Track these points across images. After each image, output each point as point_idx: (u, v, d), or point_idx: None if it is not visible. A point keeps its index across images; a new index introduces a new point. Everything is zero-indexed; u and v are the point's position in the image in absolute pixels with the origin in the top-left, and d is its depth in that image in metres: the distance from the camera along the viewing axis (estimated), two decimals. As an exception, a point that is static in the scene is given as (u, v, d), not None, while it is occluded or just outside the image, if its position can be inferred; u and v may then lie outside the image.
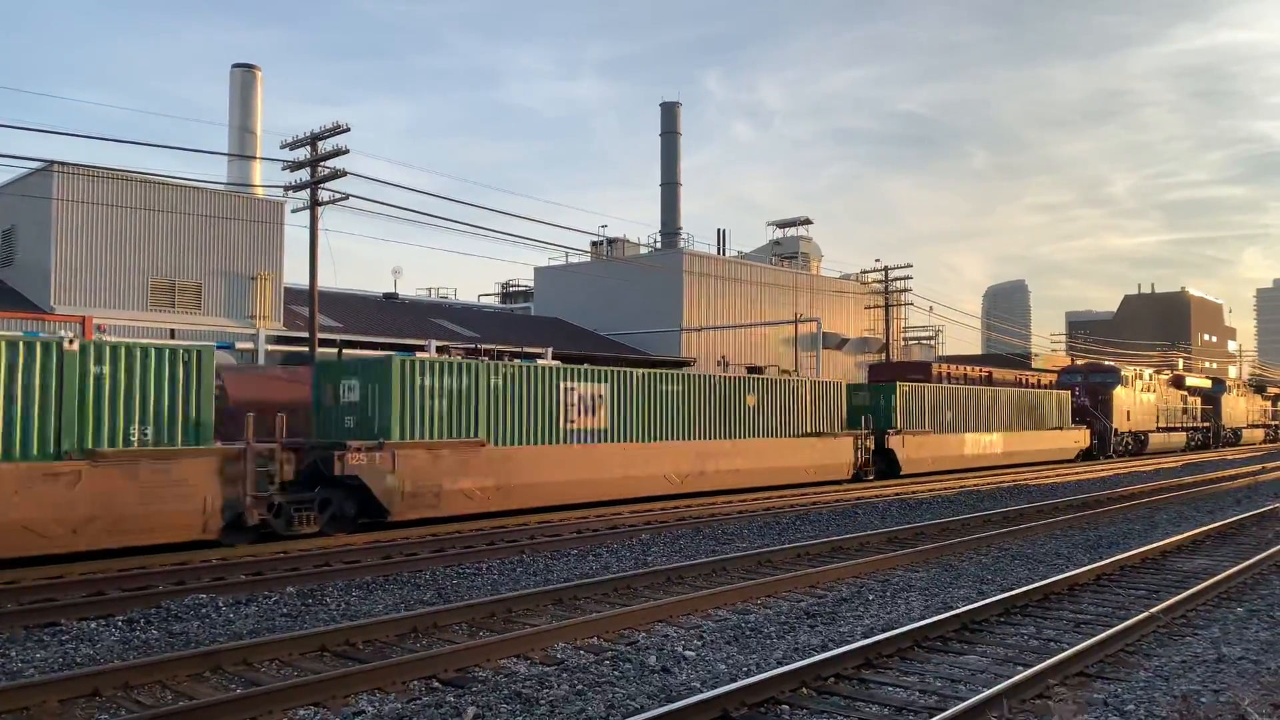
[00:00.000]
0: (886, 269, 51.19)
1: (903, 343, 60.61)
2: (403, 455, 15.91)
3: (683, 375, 22.82)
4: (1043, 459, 35.83)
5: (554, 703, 6.86)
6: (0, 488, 11.98)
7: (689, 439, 21.94)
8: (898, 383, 29.46)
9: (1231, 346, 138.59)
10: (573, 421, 19.23)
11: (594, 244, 56.97)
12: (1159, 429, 45.88)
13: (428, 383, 16.76)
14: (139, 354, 13.80)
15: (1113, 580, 11.85)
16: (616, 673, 7.64)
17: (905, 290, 51.07)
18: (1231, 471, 31.64)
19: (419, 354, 18.86)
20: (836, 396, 26.99)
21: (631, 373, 20.88)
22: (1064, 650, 8.06)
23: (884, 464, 28.03)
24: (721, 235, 63.84)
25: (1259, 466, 34.04)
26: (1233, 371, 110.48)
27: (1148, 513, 19.47)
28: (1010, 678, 7.14)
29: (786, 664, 7.67)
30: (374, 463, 15.45)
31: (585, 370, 19.87)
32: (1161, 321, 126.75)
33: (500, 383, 18.00)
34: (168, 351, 14.12)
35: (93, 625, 9.08)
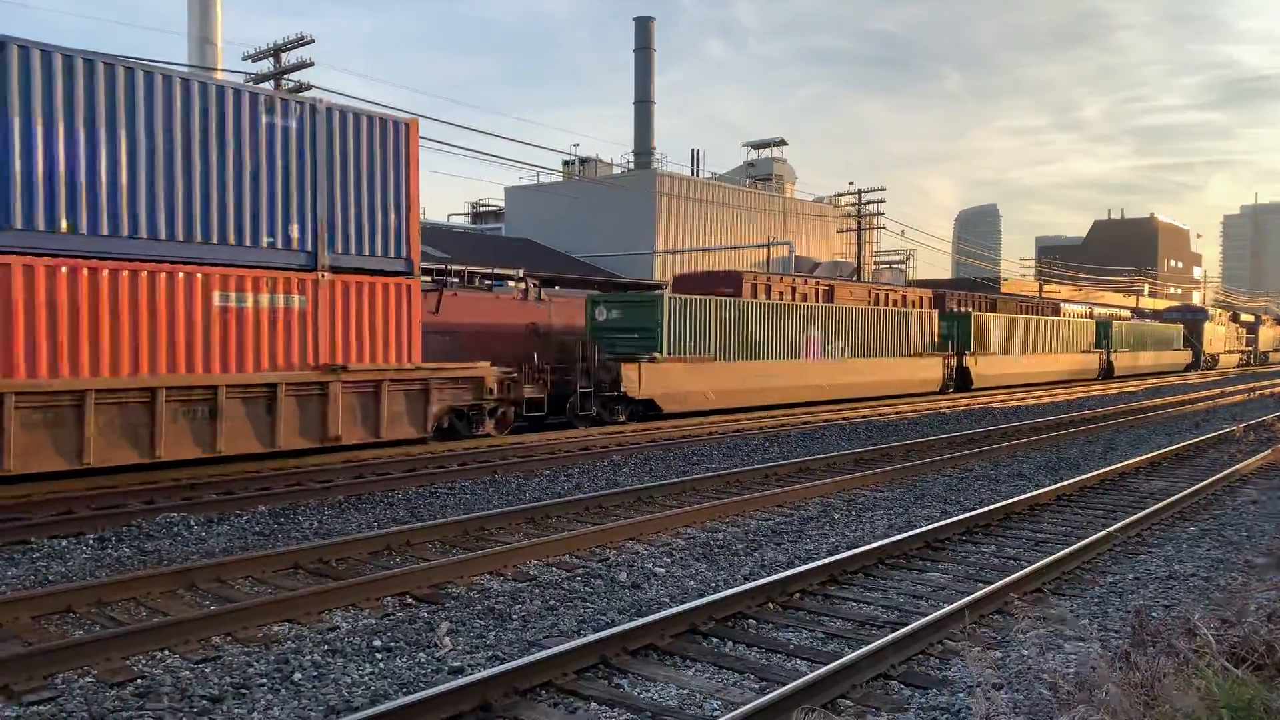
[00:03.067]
0: (860, 192, 51.01)
1: (874, 267, 60.73)
2: (666, 366, 21.13)
3: (853, 309, 28.11)
4: (1069, 377, 41.44)
5: (526, 617, 7.00)
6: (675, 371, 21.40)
7: (843, 359, 27.09)
8: (973, 313, 34.82)
9: (1197, 273, 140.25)
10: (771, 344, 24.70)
11: (566, 164, 56.18)
12: (1225, 351, 63.28)
13: (678, 312, 21.86)
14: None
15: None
16: (588, 589, 7.79)
17: (878, 215, 51.01)
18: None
19: (669, 293, 23.91)
20: (931, 323, 31.79)
21: (833, 308, 27.21)
22: (1023, 568, 8.31)
23: (961, 380, 33.42)
24: (696, 156, 63.18)
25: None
26: (1197, 297, 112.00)
27: (1194, 419, 19.92)
28: (971, 594, 7.36)
29: (753, 580, 7.85)
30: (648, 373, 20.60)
31: (794, 307, 25.58)
32: (1129, 247, 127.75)
33: (730, 314, 23.21)
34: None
35: (63, 544, 9.08)
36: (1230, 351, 65.36)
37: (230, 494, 11.62)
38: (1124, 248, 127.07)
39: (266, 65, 27.24)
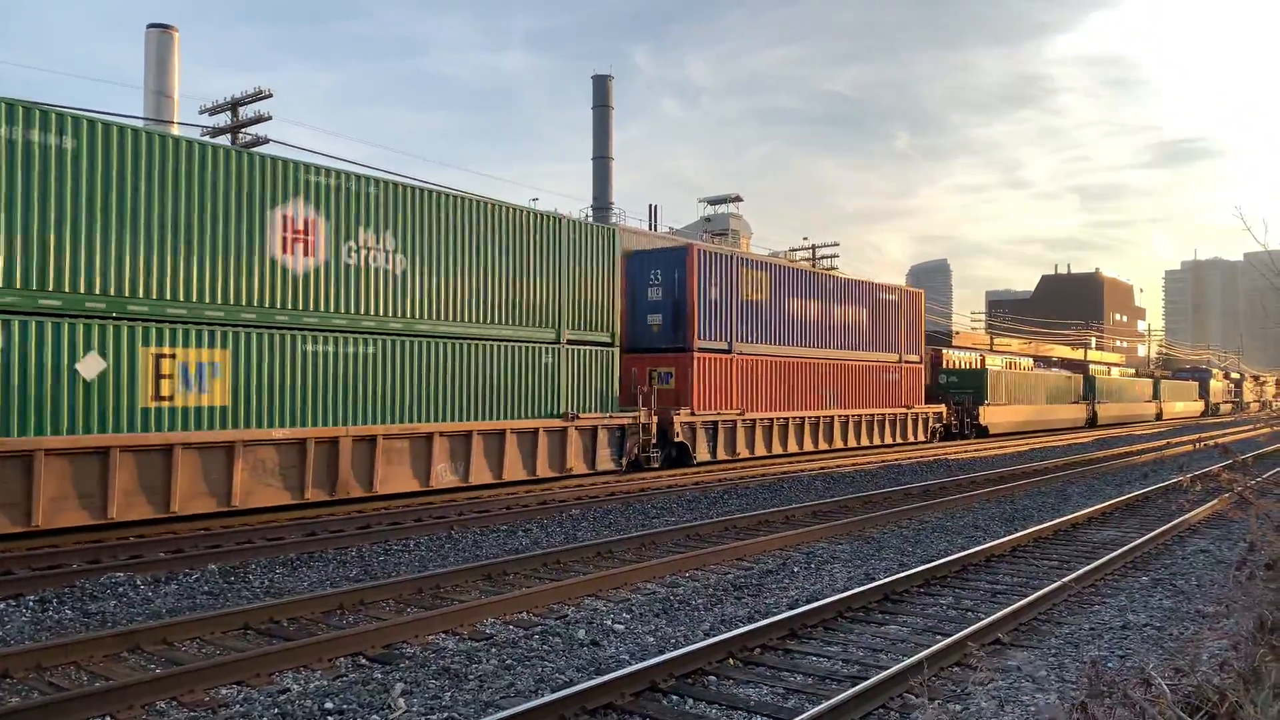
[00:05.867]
0: (814, 247, 51.84)
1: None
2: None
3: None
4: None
5: (483, 677, 6.87)
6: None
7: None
8: (988, 367, 40.93)
9: (1141, 326, 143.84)
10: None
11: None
12: (1222, 401, 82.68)
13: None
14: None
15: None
16: (546, 647, 7.68)
17: (833, 269, 51.82)
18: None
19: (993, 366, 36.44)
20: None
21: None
22: (980, 619, 8.35)
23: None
24: (653, 210, 63.88)
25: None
26: (1141, 350, 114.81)
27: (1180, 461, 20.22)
28: (929, 646, 7.37)
29: (714, 635, 7.79)
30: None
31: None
32: (1076, 301, 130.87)
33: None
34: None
35: (1, 606, 8.76)
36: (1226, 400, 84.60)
37: (179, 552, 11.33)
38: (1071, 302, 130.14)
39: (224, 119, 27.20)
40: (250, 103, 27.05)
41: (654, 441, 21.07)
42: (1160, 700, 5.53)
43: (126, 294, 12.59)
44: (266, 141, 26.41)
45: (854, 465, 24.51)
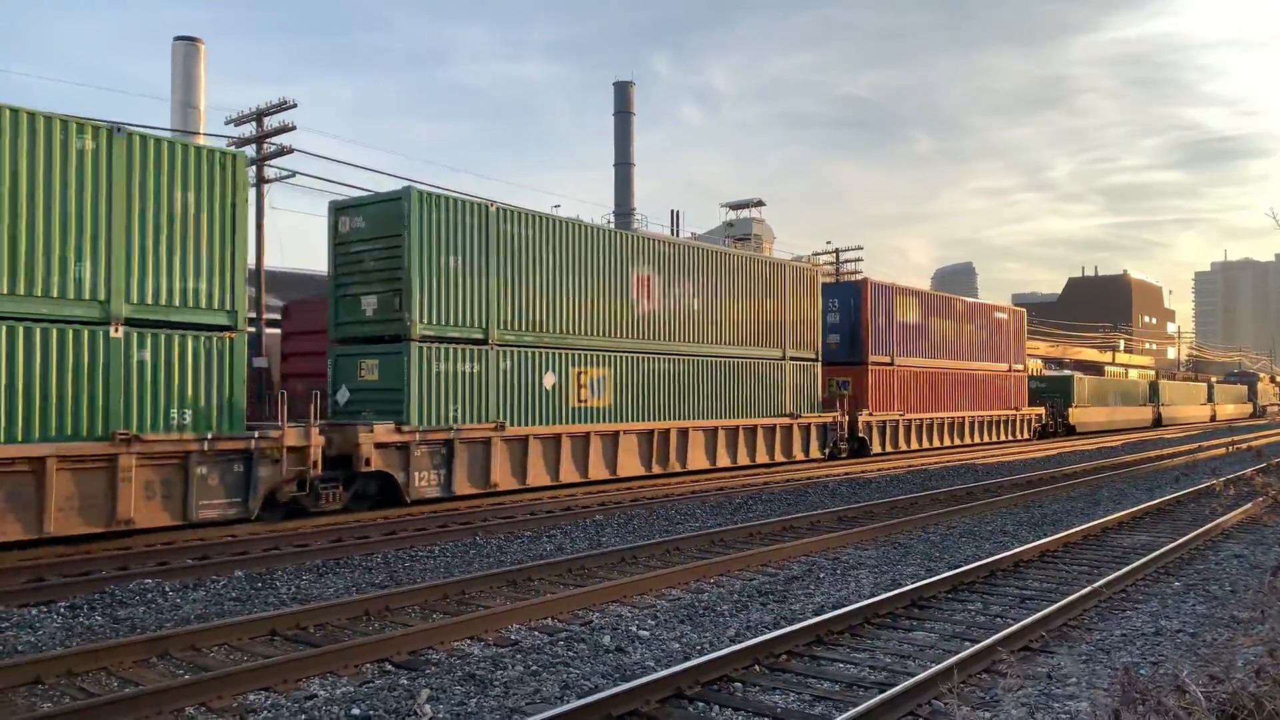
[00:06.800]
0: (837, 251, 51.63)
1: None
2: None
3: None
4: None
5: (508, 684, 6.86)
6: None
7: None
8: (1074, 375, 47.20)
9: (1170, 328, 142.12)
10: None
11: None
12: (1270, 404, 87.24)
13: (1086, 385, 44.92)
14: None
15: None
16: (571, 653, 7.66)
17: (856, 273, 51.54)
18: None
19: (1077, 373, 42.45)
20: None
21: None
22: (1009, 625, 8.25)
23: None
24: (675, 216, 63.83)
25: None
26: (1171, 353, 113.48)
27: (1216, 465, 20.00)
28: (958, 653, 7.29)
29: (739, 641, 7.74)
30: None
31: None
32: (1104, 304, 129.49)
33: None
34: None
35: (34, 612, 8.87)
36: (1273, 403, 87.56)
37: (205, 559, 11.42)
38: (1098, 304, 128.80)
39: (249, 129, 27.45)
40: (275, 113, 27.27)
41: (845, 436, 26.78)
42: (1195, 708, 5.43)
43: (562, 333, 18.75)
44: (291, 151, 26.64)
45: (879, 470, 24.37)
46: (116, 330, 12.28)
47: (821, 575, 10.93)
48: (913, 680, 6.51)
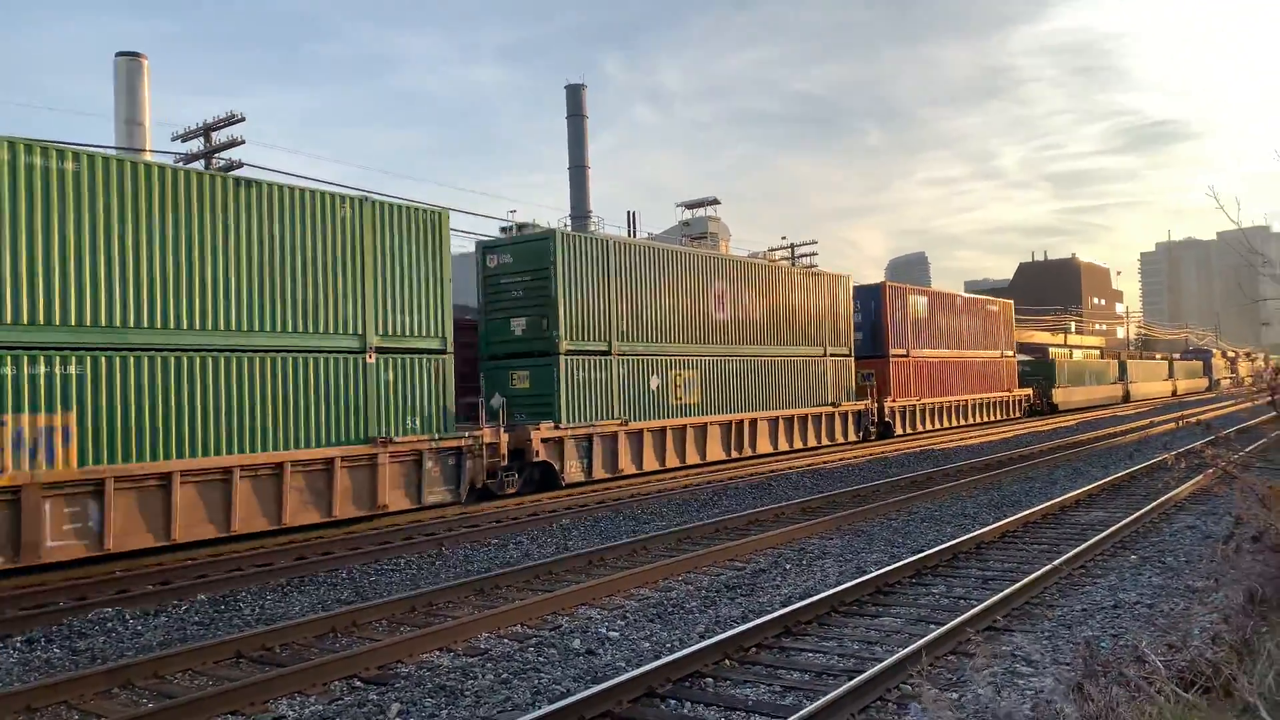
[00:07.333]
0: (793, 246, 51.98)
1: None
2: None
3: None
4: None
5: (479, 693, 6.83)
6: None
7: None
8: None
9: (1119, 309, 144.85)
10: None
11: (503, 230, 56.30)
12: (1223, 378, 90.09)
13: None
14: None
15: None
16: (541, 658, 7.65)
17: (812, 267, 51.93)
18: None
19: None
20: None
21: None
22: (973, 607, 8.37)
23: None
24: (632, 217, 63.87)
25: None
26: (1120, 333, 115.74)
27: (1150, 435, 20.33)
28: (923, 636, 7.38)
29: (709, 637, 7.78)
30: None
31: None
32: (1055, 287, 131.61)
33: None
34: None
35: (-12, 648, 8.64)
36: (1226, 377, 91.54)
37: (167, 584, 11.22)
38: (1049, 287, 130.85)
39: (197, 144, 27.03)
40: (222, 127, 26.87)
41: (875, 420, 30.14)
42: (1155, 677, 5.55)
43: (664, 342, 21.90)
44: (241, 166, 26.25)
45: (840, 461, 24.60)
46: (370, 357, 15.29)
47: (788, 566, 11.00)
48: (880, 666, 6.59)
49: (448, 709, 6.53)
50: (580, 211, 71.84)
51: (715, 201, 70.98)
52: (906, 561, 10.30)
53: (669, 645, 7.89)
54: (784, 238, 66.42)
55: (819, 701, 5.93)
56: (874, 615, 8.67)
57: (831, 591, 8.98)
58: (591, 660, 7.57)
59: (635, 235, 59.92)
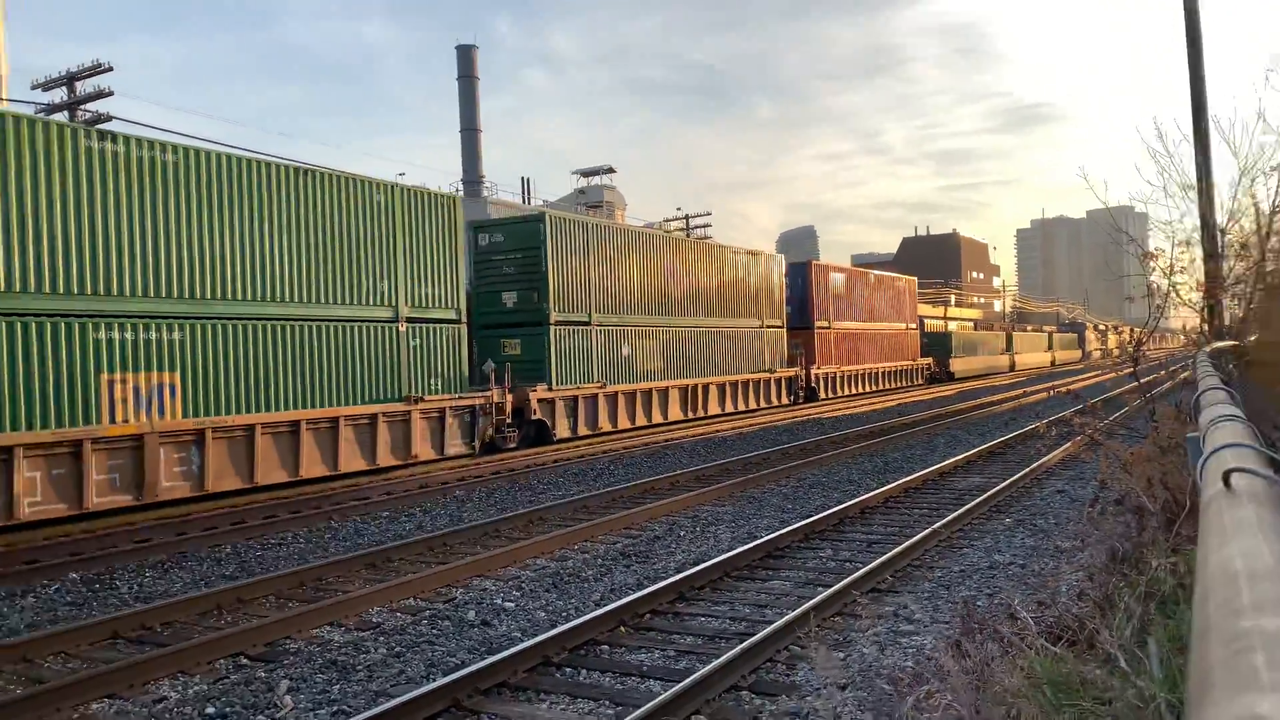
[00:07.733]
0: (687, 217, 52.37)
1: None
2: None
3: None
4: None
5: (371, 667, 6.73)
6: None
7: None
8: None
9: (996, 282, 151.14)
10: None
11: (392, 196, 54.88)
12: (1095, 349, 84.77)
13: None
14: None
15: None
16: (435, 631, 7.58)
17: (706, 238, 52.44)
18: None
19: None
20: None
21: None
22: (858, 569, 8.68)
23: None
24: (526, 184, 63.18)
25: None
26: (997, 305, 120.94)
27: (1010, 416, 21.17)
28: (811, 599, 7.62)
29: (604, 605, 7.85)
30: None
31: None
32: (936, 261, 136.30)
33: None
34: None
35: None
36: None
37: (35, 562, 10.65)
38: (931, 261, 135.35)
39: (60, 94, 25.40)
40: (88, 77, 25.32)
41: (803, 385, 33.04)
42: (1026, 632, 5.87)
43: (633, 314, 23.99)
44: (109, 119, 24.75)
45: (733, 429, 25.06)
46: (402, 326, 17.28)
47: (682, 533, 11.18)
48: (770, 628, 6.77)
49: (339, 684, 6.42)
50: (472, 177, 70.63)
51: (611, 170, 70.84)
52: (795, 526, 10.59)
53: (565, 614, 7.93)
54: (679, 209, 66.78)
55: (712, 664, 6.06)
56: (764, 579, 8.90)
57: (724, 557, 9.17)
58: (486, 631, 7.55)
59: (530, 203, 59.31)
